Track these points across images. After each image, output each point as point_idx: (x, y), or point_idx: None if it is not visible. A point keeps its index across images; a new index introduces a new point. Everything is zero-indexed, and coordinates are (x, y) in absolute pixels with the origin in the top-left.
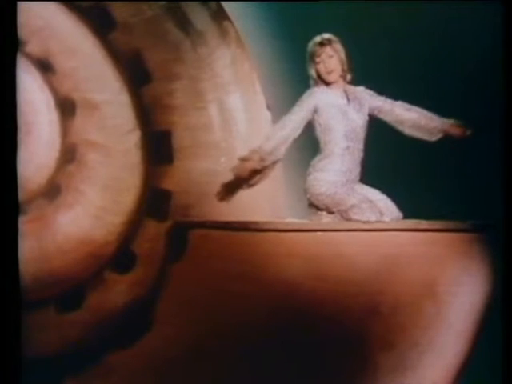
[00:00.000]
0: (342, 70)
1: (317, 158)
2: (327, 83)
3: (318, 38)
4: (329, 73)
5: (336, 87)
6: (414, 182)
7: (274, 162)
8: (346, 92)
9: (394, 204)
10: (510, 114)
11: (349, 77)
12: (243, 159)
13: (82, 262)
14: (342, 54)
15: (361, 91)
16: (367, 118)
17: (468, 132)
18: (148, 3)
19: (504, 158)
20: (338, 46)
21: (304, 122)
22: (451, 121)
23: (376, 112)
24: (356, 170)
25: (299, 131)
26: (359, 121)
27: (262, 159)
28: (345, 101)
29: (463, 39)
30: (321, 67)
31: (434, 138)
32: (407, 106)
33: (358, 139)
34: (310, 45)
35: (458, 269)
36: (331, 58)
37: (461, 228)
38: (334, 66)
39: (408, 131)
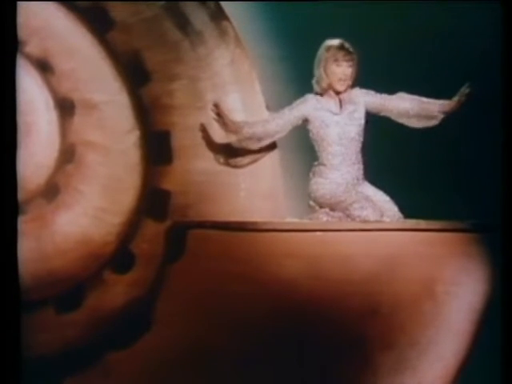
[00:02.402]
0: (347, 84)
1: (315, 164)
2: (331, 89)
3: (345, 45)
4: (342, 80)
5: (331, 95)
6: (413, 182)
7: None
8: (340, 99)
9: (395, 204)
10: (509, 114)
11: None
12: (229, 124)
13: (81, 261)
14: (355, 70)
15: (356, 93)
16: (363, 121)
17: (466, 90)
18: (147, 3)
19: (504, 158)
20: (357, 65)
21: (289, 127)
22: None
23: (376, 111)
24: (355, 172)
25: (281, 134)
26: (353, 127)
27: (236, 132)
28: (337, 109)
29: (463, 39)
30: (339, 71)
31: (436, 122)
32: (404, 95)
33: (354, 145)
34: (335, 46)
35: (457, 269)
36: (350, 67)
37: (460, 228)
38: (348, 78)
39: (413, 123)
